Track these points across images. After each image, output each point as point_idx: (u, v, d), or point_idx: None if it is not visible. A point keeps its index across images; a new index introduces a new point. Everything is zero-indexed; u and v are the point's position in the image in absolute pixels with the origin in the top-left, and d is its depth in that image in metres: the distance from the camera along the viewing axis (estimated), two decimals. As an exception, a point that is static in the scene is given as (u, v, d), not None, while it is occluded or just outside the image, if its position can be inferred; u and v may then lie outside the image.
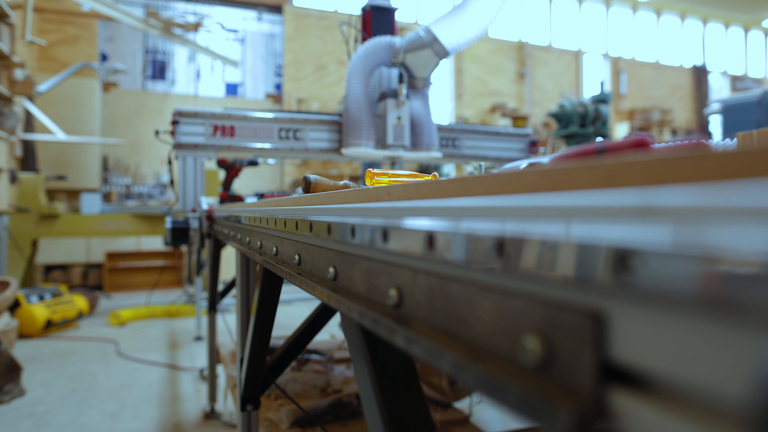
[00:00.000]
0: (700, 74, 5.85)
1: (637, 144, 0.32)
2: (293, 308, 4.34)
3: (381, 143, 2.34)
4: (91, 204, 4.74)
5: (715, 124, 4.63)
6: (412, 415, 0.46)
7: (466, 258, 0.28)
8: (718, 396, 0.17)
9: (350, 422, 1.40)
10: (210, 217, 1.89)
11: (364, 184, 0.75)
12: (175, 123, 2.22)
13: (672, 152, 0.22)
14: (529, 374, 0.24)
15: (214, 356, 2.28)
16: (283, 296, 4.53)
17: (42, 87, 4.84)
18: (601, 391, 0.21)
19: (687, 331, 0.18)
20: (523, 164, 0.54)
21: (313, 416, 1.38)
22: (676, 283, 0.17)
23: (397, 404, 0.46)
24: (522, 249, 0.24)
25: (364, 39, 2.45)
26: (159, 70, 7.22)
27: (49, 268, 5.66)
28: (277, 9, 7.65)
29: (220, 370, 2.69)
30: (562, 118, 3.53)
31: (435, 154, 2.44)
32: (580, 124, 3.50)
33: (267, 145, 2.35)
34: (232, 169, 2.77)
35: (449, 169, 6.41)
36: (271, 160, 4.62)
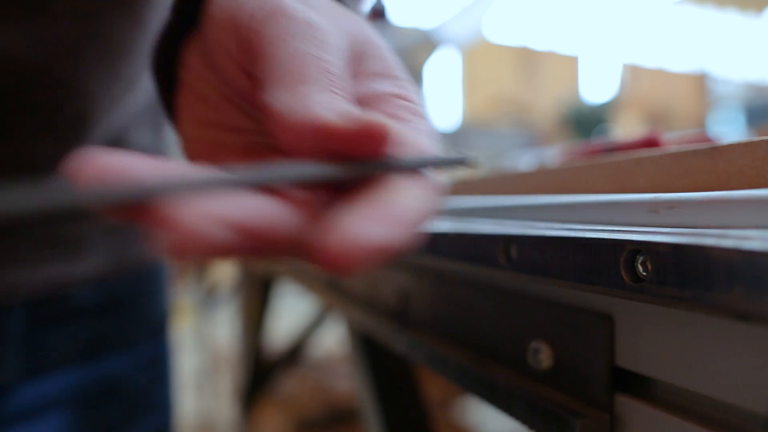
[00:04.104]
0: (705, 74, 5.85)
1: (649, 142, 0.31)
2: (294, 309, 4.33)
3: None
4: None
5: (720, 123, 4.63)
6: (411, 421, 0.46)
7: (472, 260, 0.28)
8: (731, 405, 0.16)
9: (349, 426, 1.40)
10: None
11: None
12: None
13: (683, 147, 0.22)
14: (538, 381, 0.23)
15: (213, 357, 2.28)
16: (283, 296, 4.51)
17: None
18: (613, 398, 0.20)
19: (703, 337, 0.17)
20: (527, 163, 0.53)
21: (312, 419, 1.37)
22: (690, 287, 0.16)
23: (396, 409, 0.45)
24: (529, 250, 0.23)
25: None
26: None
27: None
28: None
29: (219, 371, 2.68)
30: (566, 119, 3.53)
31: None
32: (584, 124, 3.50)
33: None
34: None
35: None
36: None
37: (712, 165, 0.20)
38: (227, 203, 0.12)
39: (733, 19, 6.13)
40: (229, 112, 0.23)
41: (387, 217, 0.13)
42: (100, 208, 0.11)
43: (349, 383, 1.63)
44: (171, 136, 0.46)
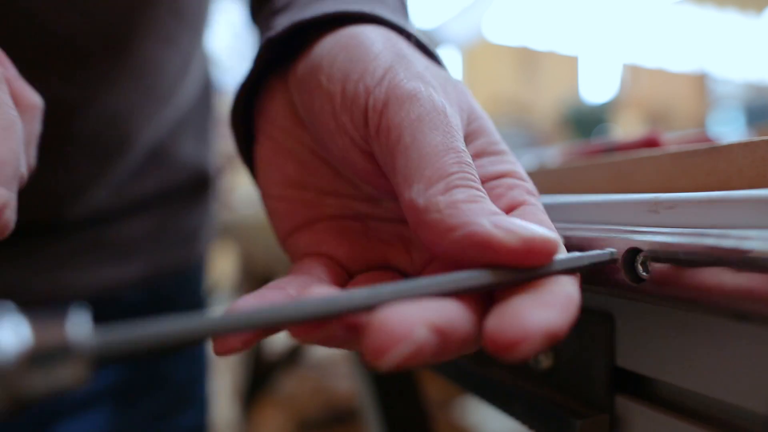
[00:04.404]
0: (705, 74, 5.85)
1: (649, 142, 0.31)
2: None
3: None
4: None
5: (720, 123, 4.63)
6: (411, 421, 0.46)
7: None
8: (731, 405, 0.16)
9: (349, 426, 1.40)
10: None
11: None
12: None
13: (683, 147, 0.22)
14: (538, 381, 0.23)
15: (213, 357, 2.28)
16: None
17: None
18: (613, 398, 0.20)
19: (703, 337, 0.17)
20: (527, 163, 0.53)
21: (312, 419, 1.37)
22: (690, 287, 0.16)
23: (396, 409, 0.45)
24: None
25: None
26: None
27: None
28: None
29: (219, 371, 2.68)
30: (566, 118, 3.52)
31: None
32: (584, 124, 3.50)
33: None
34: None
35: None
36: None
37: (712, 165, 0.20)
38: (421, 307, 0.13)
39: (733, 19, 6.13)
40: (324, 174, 0.22)
41: (553, 304, 0.14)
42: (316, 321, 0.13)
43: (349, 383, 1.63)
44: (216, 145, 0.47)
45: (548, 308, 0.13)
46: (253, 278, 1.17)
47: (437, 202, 0.16)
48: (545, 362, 0.22)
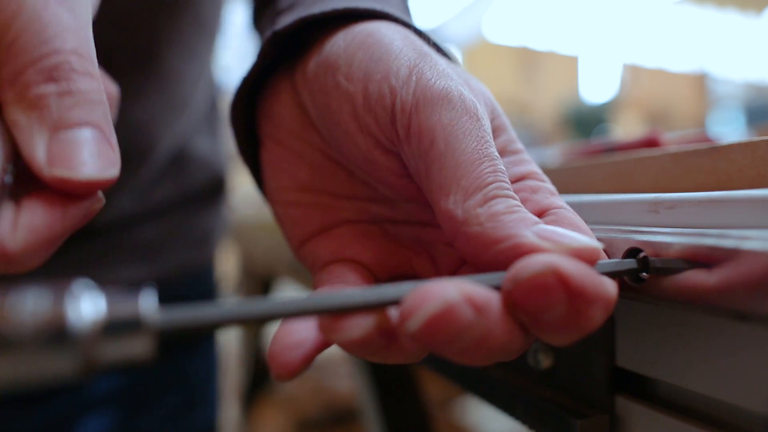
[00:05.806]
0: (705, 74, 5.84)
1: (649, 142, 0.31)
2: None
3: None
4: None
5: (720, 123, 4.63)
6: (411, 421, 0.46)
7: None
8: (731, 405, 0.16)
9: (349, 426, 1.40)
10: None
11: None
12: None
13: (683, 147, 0.22)
14: (538, 381, 0.23)
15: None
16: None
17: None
18: (613, 398, 0.20)
19: (703, 337, 0.17)
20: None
21: (312, 419, 1.37)
22: (690, 287, 0.16)
23: (396, 409, 0.45)
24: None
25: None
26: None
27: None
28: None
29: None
30: (566, 118, 3.53)
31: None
32: (584, 124, 3.50)
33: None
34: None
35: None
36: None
37: (712, 165, 0.20)
38: (460, 281, 0.13)
39: (733, 19, 6.13)
40: (337, 177, 0.21)
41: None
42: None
43: (349, 383, 1.63)
44: (226, 142, 0.48)
45: (564, 258, 0.13)
46: (254, 279, 1.16)
47: (477, 215, 0.15)
48: (545, 362, 0.22)
